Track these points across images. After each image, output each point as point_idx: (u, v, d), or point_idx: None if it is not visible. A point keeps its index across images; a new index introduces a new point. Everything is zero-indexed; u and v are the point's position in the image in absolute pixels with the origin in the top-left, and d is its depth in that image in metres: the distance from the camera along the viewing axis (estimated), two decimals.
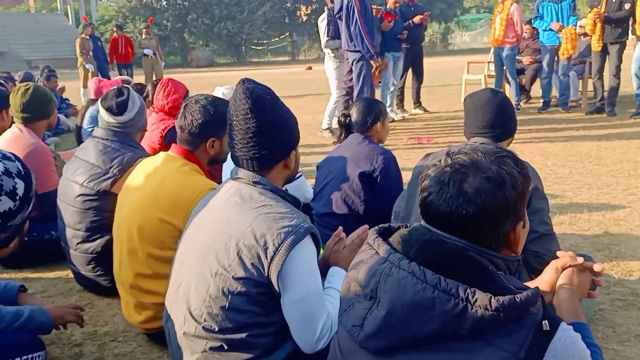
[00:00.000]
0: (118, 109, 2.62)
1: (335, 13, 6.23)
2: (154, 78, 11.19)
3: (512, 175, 1.11)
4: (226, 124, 2.14)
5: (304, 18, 35.49)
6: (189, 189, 1.99)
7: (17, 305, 1.92)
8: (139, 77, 10.72)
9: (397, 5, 7.77)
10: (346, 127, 2.85)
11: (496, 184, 1.09)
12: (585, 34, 8.15)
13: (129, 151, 2.64)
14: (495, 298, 0.98)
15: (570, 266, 1.41)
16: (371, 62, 6.09)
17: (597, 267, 1.42)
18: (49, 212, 3.12)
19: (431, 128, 7.44)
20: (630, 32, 7.41)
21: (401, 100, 8.52)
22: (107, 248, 2.66)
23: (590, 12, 7.47)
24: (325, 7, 6.96)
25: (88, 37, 11.57)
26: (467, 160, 1.12)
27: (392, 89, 7.96)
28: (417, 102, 8.77)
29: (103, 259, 2.65)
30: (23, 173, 1.36)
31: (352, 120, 2.82)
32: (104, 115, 2.65)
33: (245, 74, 21.83)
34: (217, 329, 1.54)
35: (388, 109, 6.83)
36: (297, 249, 1.49)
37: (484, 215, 1.08)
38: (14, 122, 3.22)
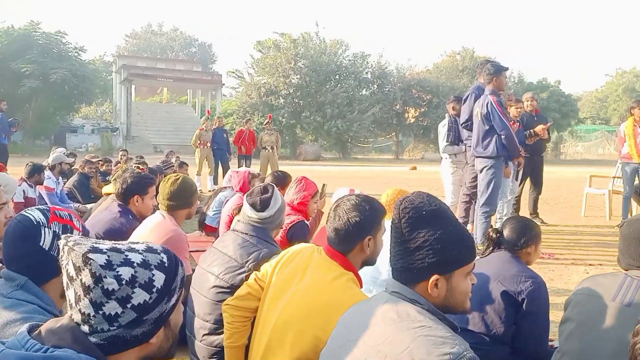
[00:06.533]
0: (261, 205, 2.71)
1: (462, 123, 6.27)
2: (269, 170, 11.75)
3: None
4: (380, 220, 2.15)
5: (412, 120, 36.27)
6: (346, 306, 1.88)
7: None
8: (255, 168, 11.29)
9: (519, 113, 7.66)
10: (495, 243, 2.71)
11: None
12: None
13: (265, 247, 2.68)
14: None
15: None
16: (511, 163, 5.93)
17: None
18: None
19: (551, 242, 7.01)
20: None
21: (517, 209, 8.18)
22: None
23: None
24: (447, 115, 7.05)
25: (207, 129, 12.45)
26: None
27: (509, 197, 7.71)
28: (534, 213, 8.39)
29: None
30: (167, 265, 1.29)
31: (504, 237, 2.68)
32: (247, 210, 2.75)
33: (350, 169, 22.11)
34: None
35: (504, 218, 6.58)
36: None
37: None
38: (158, 209, 3.44)
